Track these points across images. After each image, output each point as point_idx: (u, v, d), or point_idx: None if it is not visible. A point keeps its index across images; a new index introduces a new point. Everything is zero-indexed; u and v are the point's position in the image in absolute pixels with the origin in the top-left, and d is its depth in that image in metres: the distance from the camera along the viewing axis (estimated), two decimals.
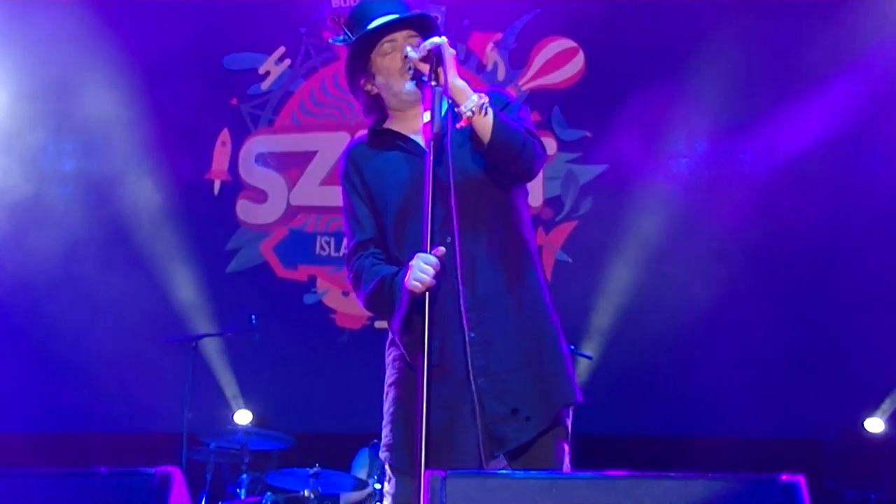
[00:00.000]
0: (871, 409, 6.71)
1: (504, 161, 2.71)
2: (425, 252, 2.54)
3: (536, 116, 7.34)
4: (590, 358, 6.49)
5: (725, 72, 6.97)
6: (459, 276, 2.66)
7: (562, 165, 7.34)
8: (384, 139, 2.92)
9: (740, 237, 6.93)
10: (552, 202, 7.31)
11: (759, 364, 6.68)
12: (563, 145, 7.36)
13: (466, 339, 2.66)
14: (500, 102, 2.82)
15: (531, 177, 2.82)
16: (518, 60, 7.50)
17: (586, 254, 7.14)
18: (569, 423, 2.80)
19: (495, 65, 7.51)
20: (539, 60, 7.48)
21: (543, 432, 2.69)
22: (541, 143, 2.79)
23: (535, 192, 7.22)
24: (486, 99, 2.65)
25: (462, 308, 2.65)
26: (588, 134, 7.37)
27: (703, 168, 7.27)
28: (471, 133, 2.69)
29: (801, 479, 2.07)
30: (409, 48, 2.76)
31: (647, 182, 7.09)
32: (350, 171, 2.92)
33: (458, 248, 2.64)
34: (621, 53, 7.37)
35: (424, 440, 2.36)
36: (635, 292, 6.87)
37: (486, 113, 2.63)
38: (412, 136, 2.86)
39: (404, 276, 2.62)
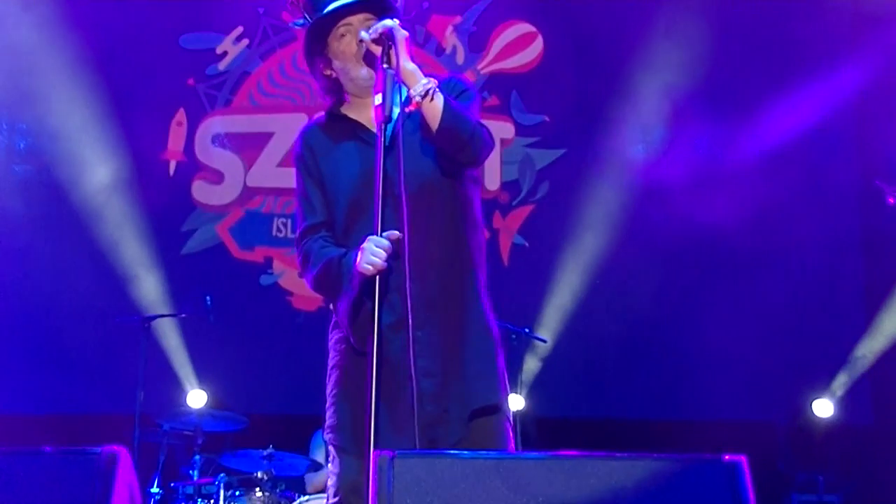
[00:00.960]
0: (819, 392, 6.83)
1: (452, 148, 2.70)
2: (377, 236, 2.53)
3: (495, 100, 7.36)
4: (544, 341, 6.55)
5: (683, 59, 7.01)
6: (407, 273, 2.59)
7: (519, 149, 7.36)
8: (342, 126, 2.88)
9: (694, 224, 6.98)
10: (509, 186, 7.33)
11: (712, 348, 6.75)
12: (520, 129, 7.38)
13: (411, 337, 2.61)
14: (455, 90, 2.81)
15: (477, 164, 2.82)
16: (477, 44, 7.50)
17: (543, 238, 7.18)
18: (509, 407, 2.82)
19: (454, 48, 7.50)
20: (498, 44, 7.49)
21: (484, 418, 2.70)
22: (488, 131, 2.78)
23: (493, 175, 7.25)
24: (434, 83, 2.64)
25: (408, 306, 2.59)
26: (546, 118, 7.39)
27: (658, 154, 7.31)
28: (421, 119, 2.69)
29: (743, 459, 2.10)
30: (362, 31, 2.71)
31: (604, 167, 7.14)
32: (305, 153, 2.89)
33: (406, 244, 2.58)
34: (580, 38, 7.39)
35: (374, 420, 2.38)
36: (591, 276, 6.92)
37: (433, 98, 2.63)
38: (370, 128, 2.81)
39: (355, 259, 2.60)
